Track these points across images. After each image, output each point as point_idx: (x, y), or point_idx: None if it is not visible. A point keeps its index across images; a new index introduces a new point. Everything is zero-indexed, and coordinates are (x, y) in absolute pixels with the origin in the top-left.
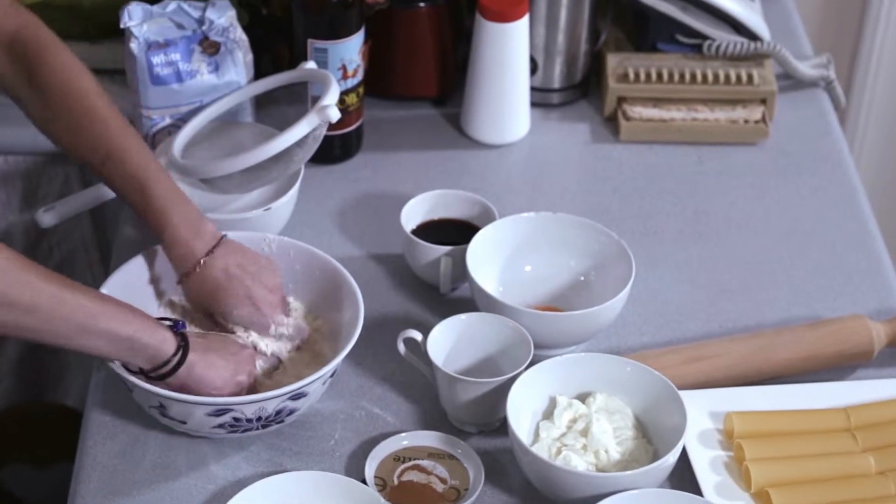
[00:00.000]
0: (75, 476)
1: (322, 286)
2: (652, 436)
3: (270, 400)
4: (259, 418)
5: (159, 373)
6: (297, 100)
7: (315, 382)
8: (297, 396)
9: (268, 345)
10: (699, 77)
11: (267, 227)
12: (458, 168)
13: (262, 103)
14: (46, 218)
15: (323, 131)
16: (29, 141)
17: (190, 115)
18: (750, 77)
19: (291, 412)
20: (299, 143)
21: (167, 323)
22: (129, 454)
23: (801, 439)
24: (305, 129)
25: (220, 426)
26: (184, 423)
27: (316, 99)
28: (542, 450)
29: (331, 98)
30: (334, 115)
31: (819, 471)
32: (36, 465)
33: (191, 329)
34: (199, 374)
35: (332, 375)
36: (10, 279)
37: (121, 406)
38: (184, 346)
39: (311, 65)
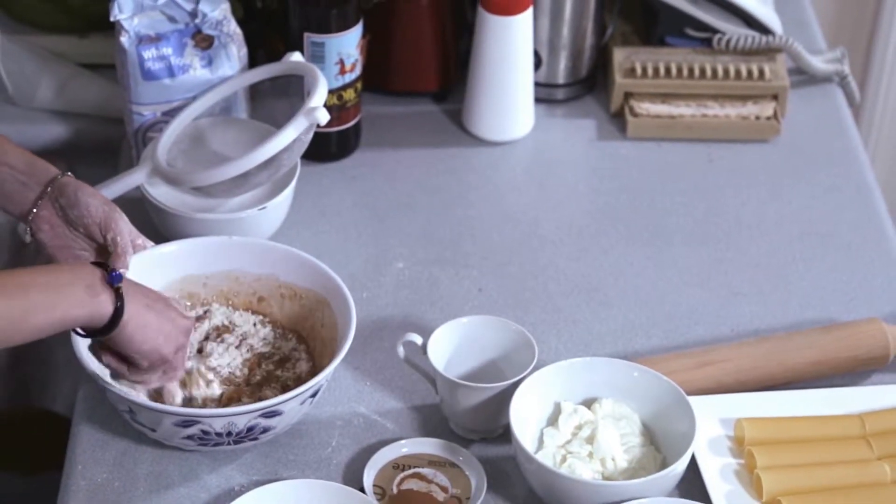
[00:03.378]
0: (63, 487)
1: (314, 297)
2: (660, 443)
3: (240, 416)
4: (229, 433)
5: (91, 333)
6: (295, 92)
7: (290, 401)
8: (270, 414)
9: None
10: (709, 72)
11: (262, 226)
12: (459, 166)
13: (254, 95)
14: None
15: (311, 133)
16: (14, 137)
17: (179, 111)
18: (761, 72)
19: (266, 430)
20: (287, 147)
21: (101, 272)
22: (119, 465)
23: (815, 447)
24: (293, 134)
25: (189, 437)
26: (153, 430)
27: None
28: (546, 457)
29: (318, 99)
30: (323, 117)
31: (833, 479)
32: (23, 473)
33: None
34: (128, 335)
35: (313, 395)
36: None
37: (110, 416)
38: (120, 306)
39: (296, 56)
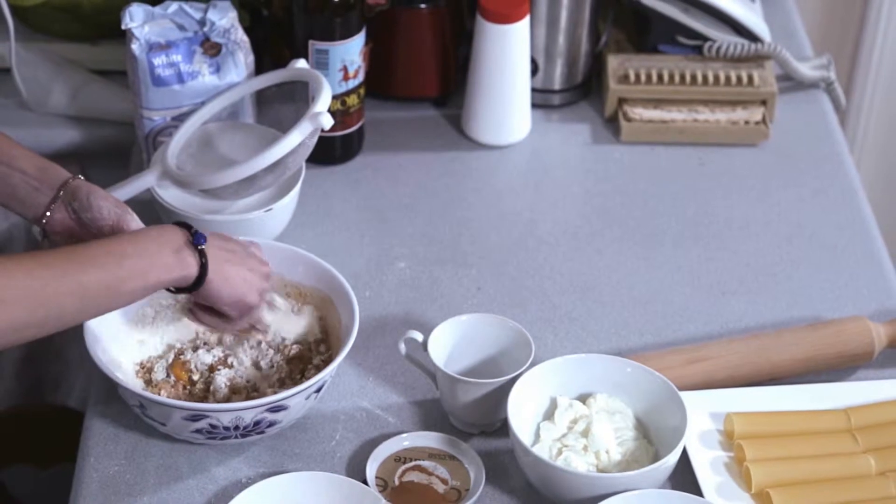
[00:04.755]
0: (76, 479)
1: (318, 295)
2: (653, 436)
3: (247, 410)
4: (237, 427)
5: (178, 290)
6: (300, 97)
7: (296, 396)
8: (276, 409)
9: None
10: (700, 78)
11: (268, 227)
12: (458, 169)
13: (260, 101)
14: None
15: (315, 137)
16: (29, 141)
17: (188, 116)
18: (750, 78)
19: (272, 424)
20: (292, 151)
21: (185, 235)
22: (130, 458)
23: (802, 440)
24: (298, 138)
25: (198, 431)
26: (163, 424)
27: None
28: (542, 450)
29: (323, 104)
30: (327, 122)
31: (820, 472)
32: (37, 465)
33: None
34: (214, 291)
35: (318, 390)
36: (25, 303)
37: (122, 411)
38: (204, 265)
39: (301, 63)
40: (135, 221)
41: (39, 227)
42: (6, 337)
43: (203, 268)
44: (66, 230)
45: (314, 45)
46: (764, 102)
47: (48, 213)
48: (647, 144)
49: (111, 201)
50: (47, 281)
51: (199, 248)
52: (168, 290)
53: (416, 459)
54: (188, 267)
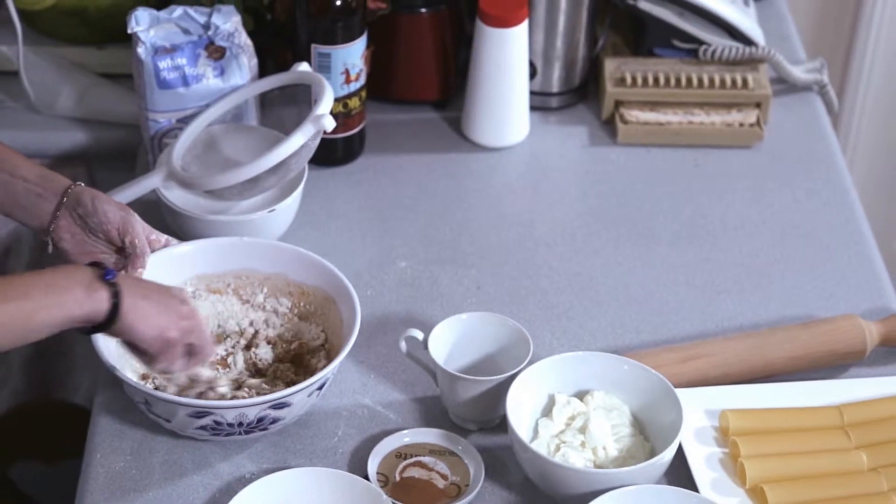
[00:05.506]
0: (83, 475)
1: (320, 294)
2: (649, 433)
3: (251, 407)
4: (241, 424)
5: (95, 327)
6: (302, 100)
7: (299, 394)
8: (279, 406)
9: None
10: (695, 81)
11: (271, 228)
12: (458, 170)
13: (264, 103)
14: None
15: (318, 139)
16: (36, 143)
17: (192, 118)
18: (745, 81)
19: (275, 421)
20: (295, 153)
21: (96, 272)
22: (136, 454)
23: (795, 436)
24: (301, 140)
25: (203, 428)
26: (168, 421)
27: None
28: (541, 447)
29: (325, 107)
30: (329, 124)
31: (813, 467)
32: (45, 461)
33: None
34: (129, 325)
35: (320, 387)
36: None
37: (127, 408)
38: (116, 301)
39: (303, 66)
40: (139, 224)
41: (46, 235)
42: None
43: (115, 303)
44: (72, 236)
45: (317, 48)
46: (758, 105)
47: (54, 221)
48: (643, 146)
49: (115, 205)
50: None
51: (112, 283)
52: (82, 330)
53: (416, 455)
54: (99, 301)
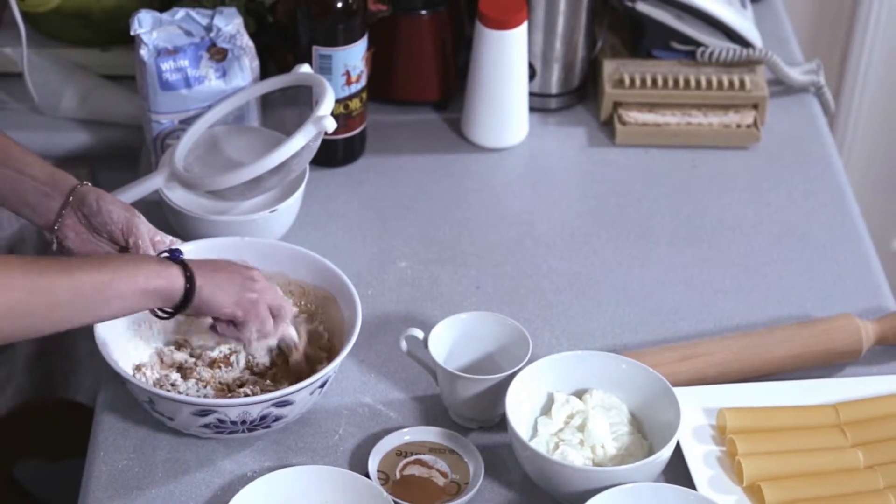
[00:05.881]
0: (86, 472)
1: (321, 294)
2: (647, 431)
3: (254, 405)
4: (243, 422)
5: (174, 307)
6: (304, 101)
7: (301, 391)
8: (282, 404)
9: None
10: (693, 83)
11: (273, 228)
12: (458, 171)
13: (265, 105)
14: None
15: (319, 140)
16: (40, 144)
17: (195, 119)
18: (742, 83)
19: (278, 419)
20: (296, 153)
21: (165, 255)
22: (139, 451)
23: (792, 435)
24: (302, 141)
25: (206, 426)
26: (171, 419)
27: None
28: (540, 445)
29: (326, 108)
30: (330, 125)
31: (809, 465)
32: (48, 459)
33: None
34: (207, 297)
35: (322, 385)
36: (25, 289)
37: (130, 406)
38: (190, 275)
39: (305, 68)
40: (143, 224)
41: (51, 233)
42: (4, 321)
43: (190, 278)
44: (77, 235)
45: (318, 50)
46: (755, 106)
47: (59, 219)
48: (641, 147)
49: (120, 205)
50: (43, 272)
51: (180, 260)
52: (161, 315)
53: (416, 453)
54: (174, 277)
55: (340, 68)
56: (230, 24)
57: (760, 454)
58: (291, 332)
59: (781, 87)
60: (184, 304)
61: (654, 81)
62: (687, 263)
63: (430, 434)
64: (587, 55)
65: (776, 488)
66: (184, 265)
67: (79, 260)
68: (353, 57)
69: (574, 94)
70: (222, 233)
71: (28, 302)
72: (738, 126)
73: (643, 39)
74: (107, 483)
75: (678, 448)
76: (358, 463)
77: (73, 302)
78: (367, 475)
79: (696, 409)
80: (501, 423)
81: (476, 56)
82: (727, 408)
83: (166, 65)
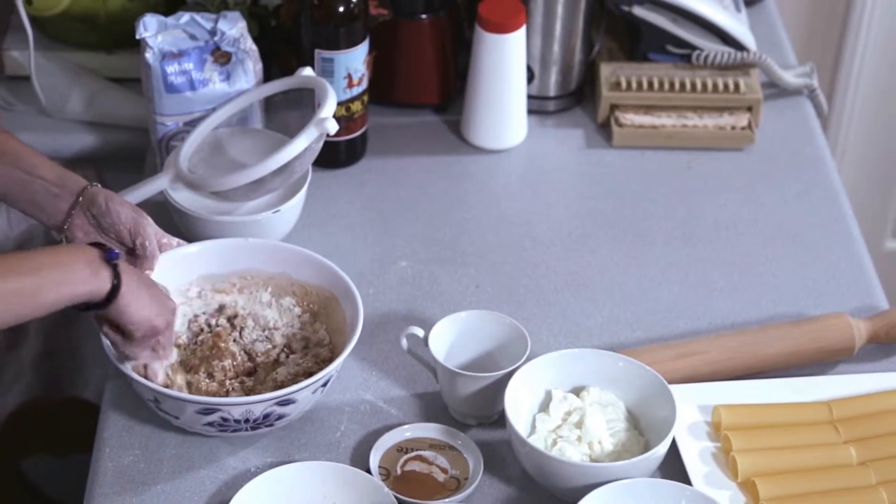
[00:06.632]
0: (93, 469)
1: (324, 294)
2: (643, 428)
3: (257, 403)
4: (247, 420)
5: (91, 308)
6: (306, 104)
7: (304, 390)
8: (284, 402)
9: None
10: (688, 86)
11: (275, 229)
12: (458, 172)
13: (268, 107)
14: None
15: (321, 142)
16: (47, 146)
17: (199, 121)
18: (737, 85)
19: (280, 417)
20: (299, 155)
21: (99, 252)
22: (145, 448)
23: (786, 431)
24: (304, 142)
25: (210, 424)
26: (177, 417)
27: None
28: (538, 441)
29: (328, 111)
30: (332, 127)
31: (803, 461)
32: (56, 455)
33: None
34: (123, 308)
35: (324, 384)
36: None
37: (136, 404)
38: (117, 283)
39: (308, 71)
40: (150, 225)
41: (60, 233)
42: None
43: (116, 284)
44: (85, 235)
45: (320, 53)
46: (750, 108)
47: (68, 219)
48: (638, 149)
49: (128, 206)
50: None
51: (113, 263)
52: (79, 308)
53: (417, 449)
54: (102, 281)
55: (342, 71)
56: (234, 28)
57: (755, 450)
58: (157, 372)
59: (775, 89)
60: (100, 306)
61: (651, 84)
62: (682, 263)
63: (430, 430)
64: (584, 58)
65: (770, 484)
66: (115, 269)
67: (10, 258)
68: (355, 60)
69: (572, 97)
70: (226, 233)
71: None
72: (733, 128)
73: (639, 43)
74: (113, 479)
75: (674, 444)
76: (359, 459)
77: None
78: (368, 471)
79: (692, 405)
80: (500, 420)
81: (475, 59)
82: (722, 405)
83: (171, 68)
